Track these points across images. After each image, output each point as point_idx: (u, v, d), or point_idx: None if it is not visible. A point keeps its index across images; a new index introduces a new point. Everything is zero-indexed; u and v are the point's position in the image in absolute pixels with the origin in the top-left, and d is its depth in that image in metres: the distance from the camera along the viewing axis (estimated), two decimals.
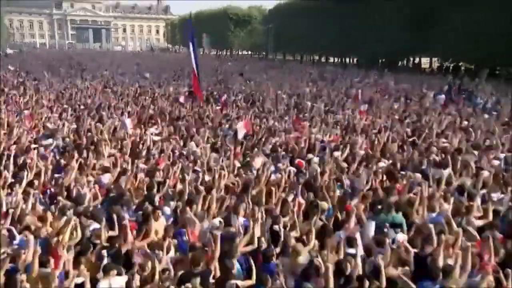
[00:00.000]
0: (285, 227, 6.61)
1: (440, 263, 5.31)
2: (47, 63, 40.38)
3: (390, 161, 10.09)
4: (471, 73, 34.33)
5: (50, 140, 11.49)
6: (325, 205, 7.58)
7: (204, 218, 6.78)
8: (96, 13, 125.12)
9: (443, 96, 21.08)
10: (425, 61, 51.20)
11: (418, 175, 8.76)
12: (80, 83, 24.51)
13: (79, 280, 5.16)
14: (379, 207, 7.24)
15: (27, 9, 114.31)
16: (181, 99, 18.53)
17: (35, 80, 25.49)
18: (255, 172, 9.24)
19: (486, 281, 5.03)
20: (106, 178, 8.79)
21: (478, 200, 7.49)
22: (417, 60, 50.74)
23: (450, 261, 5.39)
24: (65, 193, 7.88)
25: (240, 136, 11.87)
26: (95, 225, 6.38)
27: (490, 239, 5.71)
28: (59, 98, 18.62)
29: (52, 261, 5.44)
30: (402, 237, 6.21)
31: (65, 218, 6.46)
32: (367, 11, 44.95)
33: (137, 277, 5.18)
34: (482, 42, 31.78)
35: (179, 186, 8.28)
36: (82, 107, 16.55)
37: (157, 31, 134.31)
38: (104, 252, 5.64)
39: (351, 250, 5.84)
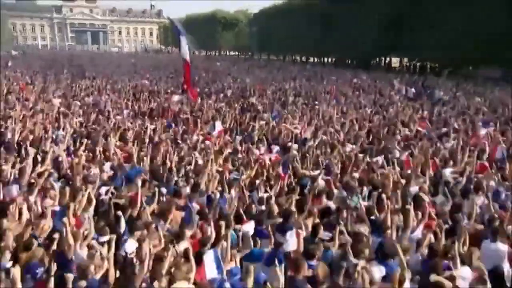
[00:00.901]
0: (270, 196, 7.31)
1: (388, 223, 6.01)
2: (50, 64, 40.31)
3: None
4: (435, 71, 35.33)
5: (61, 131, 11.99)
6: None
7: (204, 193, 7.41)
8: (94, 17, 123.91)
9: (413, 90, 21.99)
10: (395, 61, 52.10)
11: (379, 158, 9.54)
12: (83, 81, 24.76)
13: (103, 238, 5.67)
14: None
15: (29, 13, 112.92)
16: (176, 98, 18.73)
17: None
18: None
19: (427, 237, 5.75)
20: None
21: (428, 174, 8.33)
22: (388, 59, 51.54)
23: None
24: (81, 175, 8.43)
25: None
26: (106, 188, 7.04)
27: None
28: (66, 95, 18.98)
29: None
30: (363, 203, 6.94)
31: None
32: (344, 16, 45.54)
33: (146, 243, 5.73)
34: (446, 44, 32.47)
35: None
36: (88, 102, 16.96)
37: (151, 33, 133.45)
38: (120, 213, 6.21)
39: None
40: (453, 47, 31.79)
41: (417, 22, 36.37)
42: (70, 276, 4.39)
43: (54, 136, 11.15)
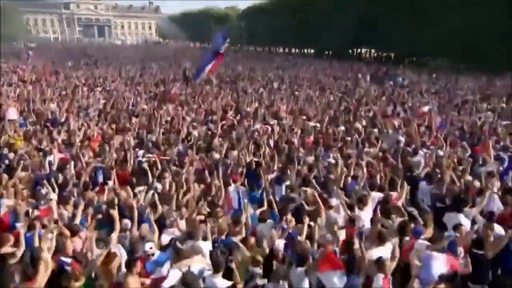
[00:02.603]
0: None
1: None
2: (66, 54, 40.22)
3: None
4: (397, 61, 36.40)
5: (91, 110, 12.94)
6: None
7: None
8: (98, 13, 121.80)
9: (391, 82, 22.65)
10: (364, 51, 52.98)
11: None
12: (98, 70, 25.25)
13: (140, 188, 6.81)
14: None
15: (40, 9, 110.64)
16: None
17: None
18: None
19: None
20: None
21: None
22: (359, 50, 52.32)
23: None
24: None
25: None
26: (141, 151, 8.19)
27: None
28: (88, 81, 19.67)
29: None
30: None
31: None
32: (322, 13, 46.08)
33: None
34: (413, 39, 33.18)
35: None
36: (108, 88, 17.73)
37: (150, 27, 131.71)
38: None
39: None
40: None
41: (387, 20, 36.79)
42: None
43: (84, 114, 12.17)
